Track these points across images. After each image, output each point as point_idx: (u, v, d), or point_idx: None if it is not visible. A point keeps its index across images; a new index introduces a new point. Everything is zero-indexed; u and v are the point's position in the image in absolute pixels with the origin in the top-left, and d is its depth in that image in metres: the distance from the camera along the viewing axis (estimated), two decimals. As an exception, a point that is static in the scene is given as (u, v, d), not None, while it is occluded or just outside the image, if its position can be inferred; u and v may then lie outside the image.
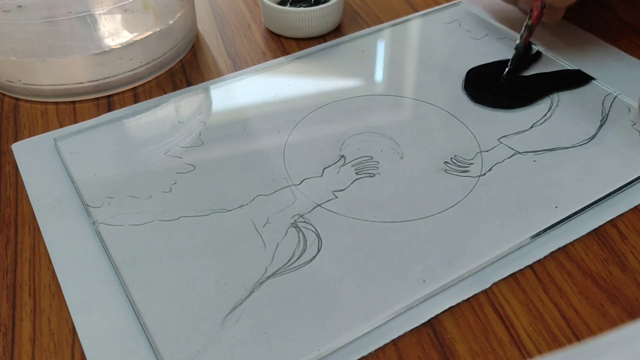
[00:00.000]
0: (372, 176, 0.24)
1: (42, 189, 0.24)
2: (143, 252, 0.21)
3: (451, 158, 0.24)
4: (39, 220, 0.23)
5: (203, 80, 0.30)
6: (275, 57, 0.31)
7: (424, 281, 0.20)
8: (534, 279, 0.20)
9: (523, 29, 0.29)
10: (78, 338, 0.19)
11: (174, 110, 0.28)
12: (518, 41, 0.29)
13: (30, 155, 0.25)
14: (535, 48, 0.30)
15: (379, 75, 0.29)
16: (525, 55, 0.30)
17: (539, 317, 0.19)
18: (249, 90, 0.29)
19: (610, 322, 0.19)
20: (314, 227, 0.22)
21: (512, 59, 0.29)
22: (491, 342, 0.19)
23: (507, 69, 0.29)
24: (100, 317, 0.19)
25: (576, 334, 0.19)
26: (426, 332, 0.19)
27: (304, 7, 0.32)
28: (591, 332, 0.19)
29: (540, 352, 0.18)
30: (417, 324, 0.19)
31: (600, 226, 0.22)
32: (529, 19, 0.28)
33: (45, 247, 0.22)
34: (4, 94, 0.30)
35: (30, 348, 0.19)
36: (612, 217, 0.22)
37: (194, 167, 0.24)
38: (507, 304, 0.20)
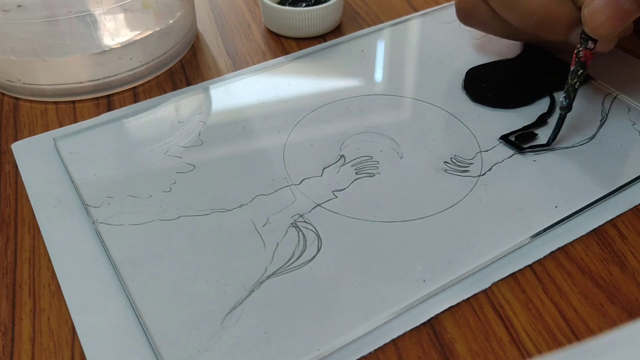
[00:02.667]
0: (372, 176, 0.24)
1: (41, 188, 0.24)
2: (143, 252, 0.21)
3: (451, 158, 0.24)
4: (39, 220, 0.23)
5: (203, 80, 0.30)
6: (275, 56, 0.31)
7: (424, 281, 0.20)
8: (533, 279, 0.20)
9: (572, 79, 0.24)
10: (78, 338, 0.19)
11: (173, 110, 0.28)
12: (563, 99, 0.24)
13: (30, 154, 0.25)
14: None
15: (378, 75, 0.29)
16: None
17: (539, 317, 0.19)
18: (248, 90, 0.28)
19: (610, 322, 0.19)
20: (314, 227, 0.22)
21: (558, 121, 0.24)
22: (491, 342, 0.19)
23: (550, 138, 0.24)
24: (100, 317, 0.19)
25: (576, 334, 0.19)
26: (426, 331, 0.19)
27: (304, 6, 0.32)
28: (591, 332, 0.19)
29: (539, 351, 0.18)
30: (417, 324, 0.19)
31: (600, 226, 0.22)
32: (578, 64, 0.23)
33: (45, 247, 0.22)
34: (3, 94, 0.30)
35: (30, 348, 0.19)
36: (612, 217, 0.22)
37: (194, 166, 0.24)
38: (507, 303, 0.20)
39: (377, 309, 0.19)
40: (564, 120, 0.24)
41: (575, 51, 0.24)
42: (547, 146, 0.25)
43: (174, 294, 0.20)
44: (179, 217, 0.22)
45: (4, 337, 0.19)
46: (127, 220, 0.22)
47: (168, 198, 0.23)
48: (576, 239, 0.22)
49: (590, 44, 0.23)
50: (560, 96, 0.25)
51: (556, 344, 0.19)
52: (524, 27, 0.25)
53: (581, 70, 0.23)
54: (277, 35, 0.33)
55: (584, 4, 0.23)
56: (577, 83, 0.24)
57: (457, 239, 0.21)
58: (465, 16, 0.28)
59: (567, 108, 0.24)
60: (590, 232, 0.22)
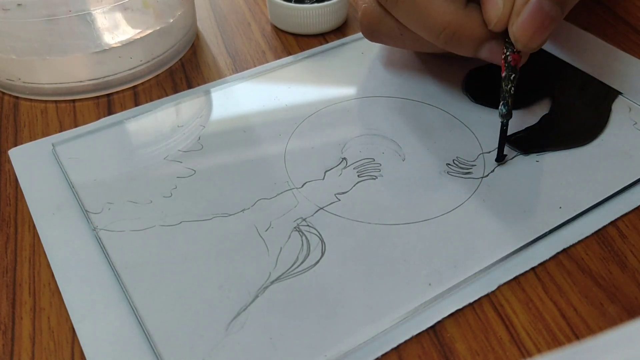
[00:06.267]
0: (374, 178, 0.24)
1: (40, 195, 0.24)
2: (144, 258, 0.21)
3: (453, 160, 0.24)
4: (38, 226, 0.22)
5: (203, 79, 0.30)
6: (275, 56, 0.31)
7: (429, 284, 0.20)
8: (533, 278, 0.20)
9: (505, 88, 0.23)
10: (77, 337, 0.19)
11: (173, 114, 0.27)
12: (502, 108, 0.23)
13: (28, 160, 0.25)
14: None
15: (379, 77, 0.29)
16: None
17: (539, 316, 0.19)
18: (248, 93, 0.28)
19: (610, 322, 0.19)
20: (317, 231, 0.22)
21: (501, 132, 0.24)
22: (491, 341, 0.19)
23: (498, 152, 0.24)
24: (102, 324, 0.19)
25: (576, 333, 0.19)
26: (426, 331, 0.19)
27: (308, 3, 0.32)
28: (591, 331, 0.19)
29: (539, 351, 0.19)
30: (424, 328, 0.19)
31: (602, 226, 0.22)
32: (509, 71, 0.23)
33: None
34: (3, 93, 0.30)
35: (30, 346, 0.19)
36: (616, 217, 0.22)
37: (194, 171, 0.24)
38: (507, 303, 0.20)
39: (383, 313, 0.19)
40: (507, 128, 0.24)
41: (503, 57, 0.23)
42: (501, 162, 0.24)
43: (177, 300, 0.20)
44: (181, 222, 0.22)
45: (4, 335, 0.19)
46: (127, 226, 0.22)
47: (169, 203, 0.23)
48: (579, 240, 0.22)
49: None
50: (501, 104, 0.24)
51: (556, 343, 0.19)
52: (433, 42, 0.24)
53: (513, 75, 0.23)
54: (284, 32, 0.33)
55: (509, 22, 0.22)
56: (512, 88, 0.23)
57: (461, 241, 0.21)
58: (372, 32, 0.26)
59: (508, 115, 0.23)
60: (592, 232, 0.22)
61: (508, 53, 0.23)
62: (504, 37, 0.23)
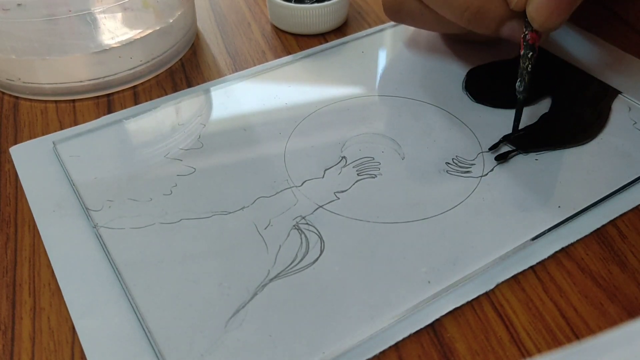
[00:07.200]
0: (373, 177, 0.24)
1: (41, 192, 0.24)
2: (145, 255, 0.21)
3: (452, 159, 0.24)
4: (39, 224, 0.23)
5: (203, 79, 0.30)
6: (275, 55, 0.31)
7: (429, 282, 0.20)
8: (533, 278, 0.20)
9: (523, 65, 0.24)
10: (77, 337, 0.19)
11: (173, 112, 0.28)
12: (519, 84, 0.24)
13: (29, 158, 0.25)
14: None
15: (379, 76, 0.29)
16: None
17: (539, 316, 0.19)
18: (249, 92, 0.28)
19: (610, 321, 0.19)
20: (316, 229, 0.22)
21: (517, 108, 0.24)
22: (491, 341, 0.19)
23: (513, 127, 0.25)
24: (102, 321, 0.19)
25: (576, 333, 0.19)
26: (426, 330, 0.19)
27: (308, 3, 0.32)
28: (591, 331, 0.19)
29: (539, 351, 0.19)
30: (422, 326, 0.19)
31: (601, 225, 0.22)
32: (527, 49, 0.23)
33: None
34: (3, 93, 0.30)
35: (30, 346, 0.19)
36: (615, 217, 0.22)
37: (194, 169, 0.24)
38: (507, 303, 0.20)
39: (383, 310, 0.19)
40: (523, 105, 0.25)
41: (522, 35, 0.24)
42: (512, 137, 0.25)
43: (177, 297, 0.20)
44: (180, 220, 0.22)
45: (4, 335, 0.19)
46: (128, 224, 0.22)
47: (169, 201, 0.23)
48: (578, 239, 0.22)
49: None
50: (520, 83, 0.24)
51: (556, 343, 0.19)
52: (456, 21, 0.25)
53: (531, 53, 0.24)
54: (284, 32, 0.33)
55: (527, 2, 0.23)
56: (530, 66, 0.24)
57: (461, 239, 0.21)
58: (394, 12, 0.28)
59: (524, 92, 0.24)
60: (591, 231, 0.22)
61: (527, 32, 0.24)
62: (524, 16, 0.24)
